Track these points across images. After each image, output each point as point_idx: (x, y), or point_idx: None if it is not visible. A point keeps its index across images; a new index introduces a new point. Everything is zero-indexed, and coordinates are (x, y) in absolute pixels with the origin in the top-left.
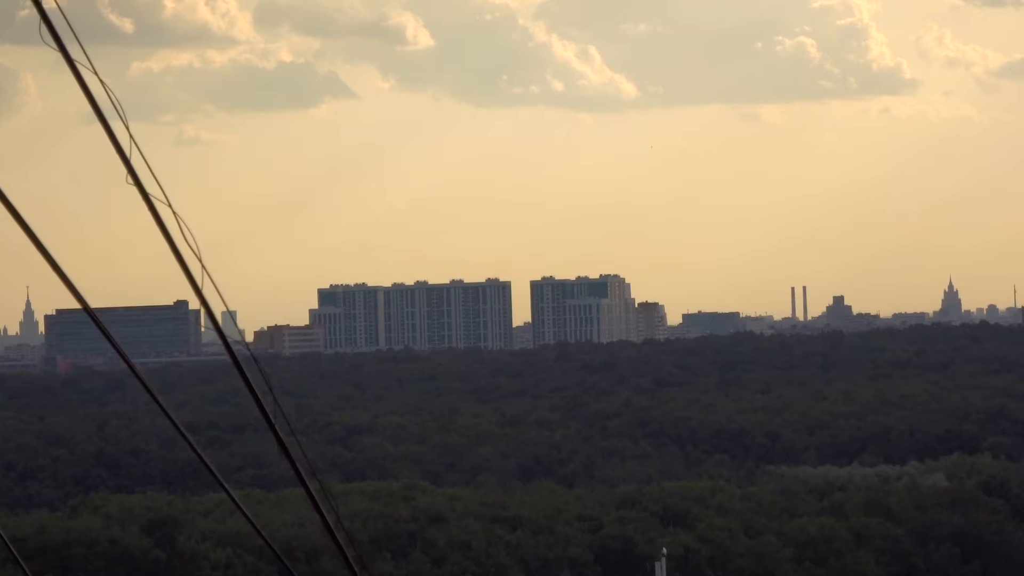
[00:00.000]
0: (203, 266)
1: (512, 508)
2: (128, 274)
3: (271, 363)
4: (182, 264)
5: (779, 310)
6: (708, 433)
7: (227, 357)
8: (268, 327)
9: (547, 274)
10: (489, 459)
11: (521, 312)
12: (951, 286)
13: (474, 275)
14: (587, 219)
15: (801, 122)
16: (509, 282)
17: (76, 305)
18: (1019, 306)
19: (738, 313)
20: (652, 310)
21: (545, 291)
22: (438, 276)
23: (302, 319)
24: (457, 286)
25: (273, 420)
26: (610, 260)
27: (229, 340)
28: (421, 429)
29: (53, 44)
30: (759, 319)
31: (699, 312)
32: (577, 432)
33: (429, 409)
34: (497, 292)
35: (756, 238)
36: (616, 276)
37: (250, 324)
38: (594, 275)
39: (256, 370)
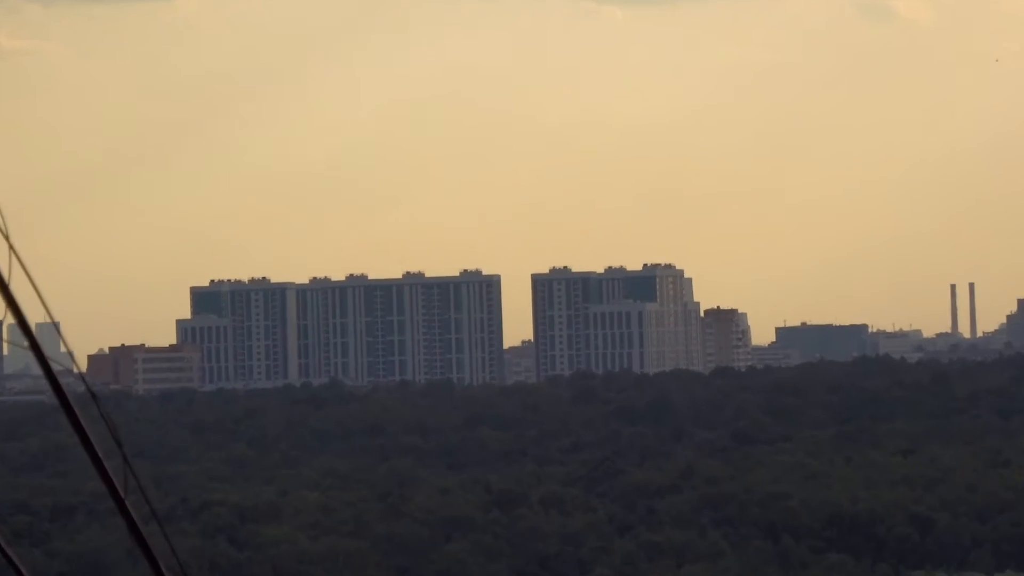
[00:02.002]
0: (11, 248)
1: None
2: None
3: (116, 405)
4: None
5: (931, 322)
6: (818, 519)
7: (45, 397)
8: (111, 348)
9: (558, 264)
10: (466, 561)
11: (517, 324)
12: None
13: (441, 266)
14: (621, 179)
15: (963, 21)
16: (497, 276)
17: None
18: None
19: (866, 326)
20: (727, 321)
21: (556, 291)
22: (383, 267)
23: (165, 336)
24: (414, 282)
25: (124, 497)
26: (658, 244)
27: (53, 366)
28: (356, 513)
29: None
30: (899, 336)
31: (802, 325)
32: (608, 518)
33: (370, 480)
34: (478, 292)
35: (888, 207)
36: (669, 267)
37: (83, 343)
38: (633, 266)
39: (93, 417)
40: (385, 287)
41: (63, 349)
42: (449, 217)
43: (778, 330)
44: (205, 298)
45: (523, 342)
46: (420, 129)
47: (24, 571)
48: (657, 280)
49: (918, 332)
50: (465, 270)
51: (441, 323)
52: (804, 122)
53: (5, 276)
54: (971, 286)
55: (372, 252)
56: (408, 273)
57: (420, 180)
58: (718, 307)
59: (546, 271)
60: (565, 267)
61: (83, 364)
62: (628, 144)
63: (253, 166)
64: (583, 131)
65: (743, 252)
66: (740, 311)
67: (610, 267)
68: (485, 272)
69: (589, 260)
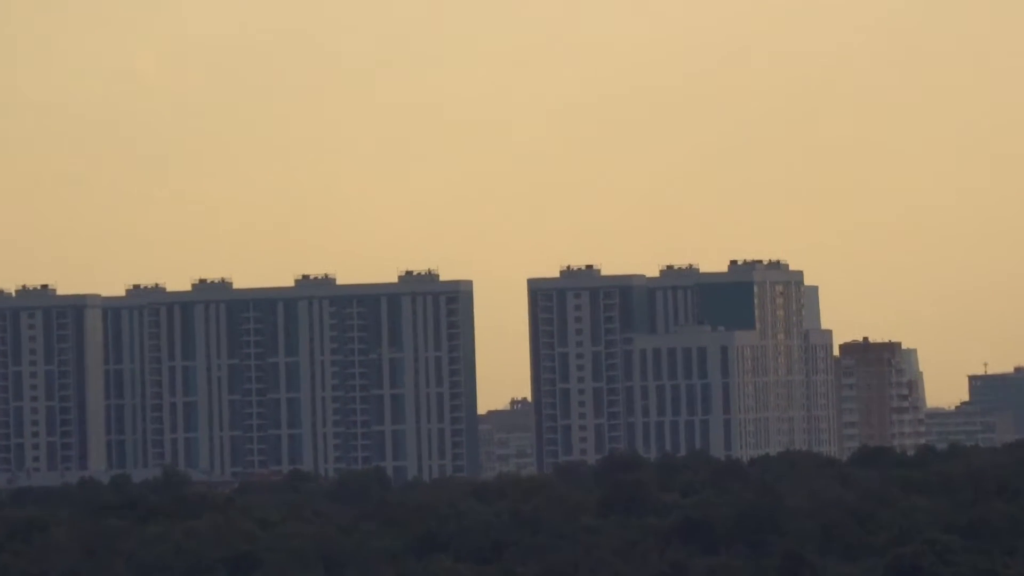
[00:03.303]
0: None
1: None
2: None
3: None
4: None
5: None
6: None
7: None
8: None
9: (576, 261)
10: None
11: (503, 369)
12: None
13: (366, 264)
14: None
15: None
16: (467, 284)
17: None
18: None
19: None
20: (881, 363)
21: (573, 310)
22: (265, 269)
23: None
24: (315, 294)
25: None
26: (755, 227)
27: None
28: None
29: None
30: None
31: (1015, 371)
32: None
33: None
34: (431, 311)
35: None
36: (776, 268)
37: None
38: (711, 264)
39: None
40: (264, 302)
41: None
42: (386, 186)
43: (972, 380)
44: None
45: (513, 403)
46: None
47: None
48: (755, 290)
49: None
50: (409, 272)
51: (365, 367)
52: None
53: None
54: None
55: (245, 246)
56: (306, 278)
57: (347, 126)
58: (865, 339)
59: (554, 274)
60: (589, 267)
61: None
62: (674, 71)
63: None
64: (600, 50)
65: (906, 249)
66: (904, 346)
67: (669, 266)
68: (445, 276)
69: (632, 253)
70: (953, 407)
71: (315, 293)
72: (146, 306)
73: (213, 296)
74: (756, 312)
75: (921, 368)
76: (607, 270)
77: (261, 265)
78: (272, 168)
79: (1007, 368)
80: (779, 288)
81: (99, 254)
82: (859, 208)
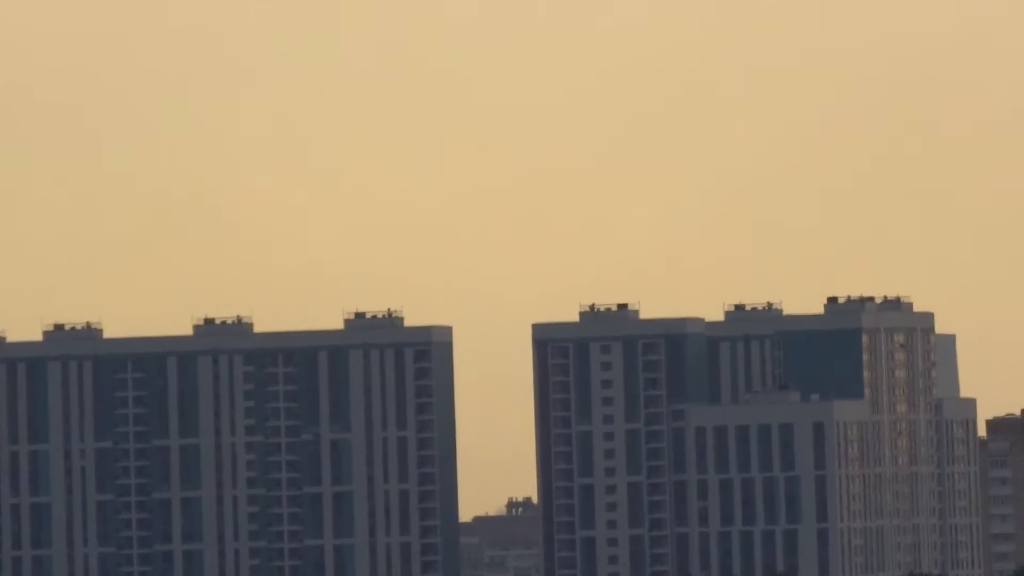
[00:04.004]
0: None
1: None
2: None
3: None
4: None
5: None
6: None
7: None
8: None
9: (603, 299)
10: None
11: (493, 449)
12: None
13: (302, 308)
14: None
15: None
16: (447, 330)
17: None
18: None
19: None
20: None
21: (597, 366)
22: (152, 313)
23: None
24: (222, 335)
25: None
26: (866, 259)
27: None
28: None
29: None
30: None
31: None
32: None
33: None
34: (390, 370)
35: None
36: (895, 307)
37: None
38: (799, 303)
39: None
40: (148, 358)
41: None
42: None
43: None
44: None
45: (512, 505)
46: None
47: None
48: (865, 341)
49: None
50: (360, 315)
51: (295, 452)
52: None
53: None
54: None
55: (120, 277)
56: (210, 323)
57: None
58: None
59: (572, 316)
60: (622, 306)
61: None
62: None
63: None
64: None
65: None
66: None
67: (739, 306)
68: (412, 320)
69: (683, 288)
70: None
71: (222, 344)
72: None
73: (74, 349)
74: (866, 373)
75: None
76: (648, 311)
77: (144, 305)
78: (153, 167)
79: None
80: (899, 338)
81: None
82: (1013, 226)
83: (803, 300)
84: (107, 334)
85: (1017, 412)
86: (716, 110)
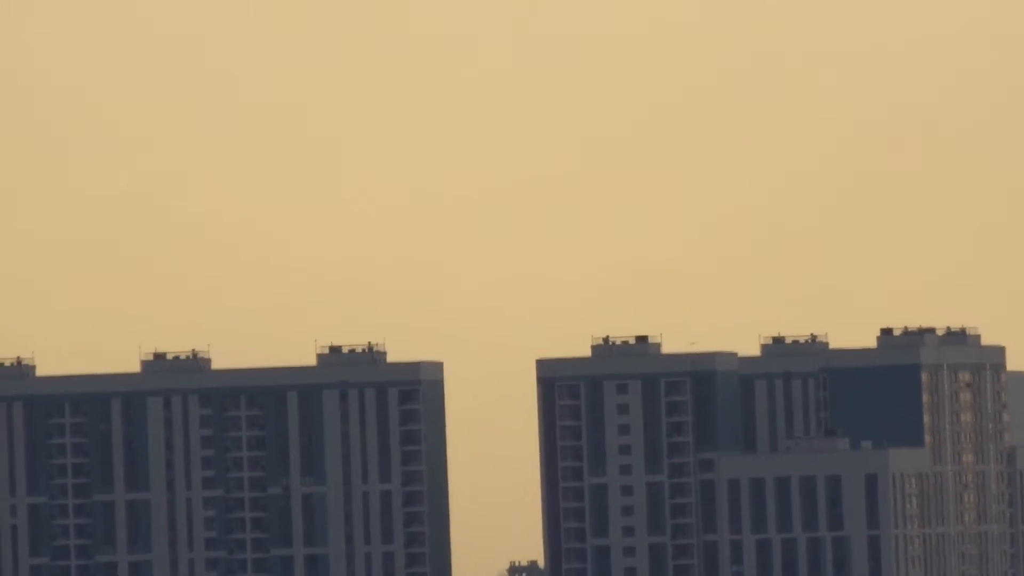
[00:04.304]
0: None
1: None
2: None
3: None
4: None
5: None
6: None
7: None
8: None
9: (617, 332)
10: None
11: (491, 504)
12: None
13: (268, 341)
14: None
15: None
16: (437, 366)
17: None
18: None
19: None
20: None
21: (611, 411)
22: (94, 348)
23: None
24: (175, 373)
25: None
26: (925, 285)
27: None
28: None
29: None
30: None
31: None
32: None
33: None
34: (371, 415)
35: None
36: (963, 338)
37: None
38: (852, 338)
39: None
40: (88, 399)
41: None
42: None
43: None
44: None
45: (514, 569)
46: None
47: None
48: (924, 379)
49: None
50: (335, 349)
51: (260, 508)
52: None
53: None
54: None
55: (54, 308)
56: (160, 358)
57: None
58: None
59: (583, 351)
60: (641, 339)
61: None
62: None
63: None
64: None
65: None
66: None
67: (778, 339)
68: (396, 356)
69: (712, 317)
70: None
71: (175, 384)
72: None
73: (2, 390)
74: (926, 416)
75: None
76: (671, 344)
77: (84, 338)
78: (95, 175)
79: None
80: (965, 376)
81: None
82: None
83: (853, 332)
84: (40, 371)
85: None
86: (752, 117)
